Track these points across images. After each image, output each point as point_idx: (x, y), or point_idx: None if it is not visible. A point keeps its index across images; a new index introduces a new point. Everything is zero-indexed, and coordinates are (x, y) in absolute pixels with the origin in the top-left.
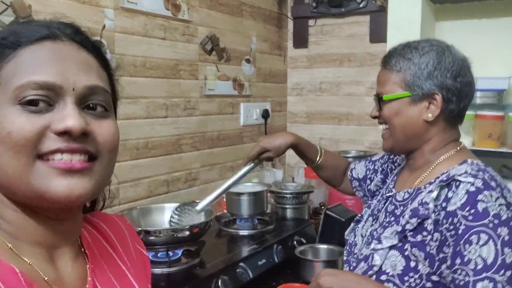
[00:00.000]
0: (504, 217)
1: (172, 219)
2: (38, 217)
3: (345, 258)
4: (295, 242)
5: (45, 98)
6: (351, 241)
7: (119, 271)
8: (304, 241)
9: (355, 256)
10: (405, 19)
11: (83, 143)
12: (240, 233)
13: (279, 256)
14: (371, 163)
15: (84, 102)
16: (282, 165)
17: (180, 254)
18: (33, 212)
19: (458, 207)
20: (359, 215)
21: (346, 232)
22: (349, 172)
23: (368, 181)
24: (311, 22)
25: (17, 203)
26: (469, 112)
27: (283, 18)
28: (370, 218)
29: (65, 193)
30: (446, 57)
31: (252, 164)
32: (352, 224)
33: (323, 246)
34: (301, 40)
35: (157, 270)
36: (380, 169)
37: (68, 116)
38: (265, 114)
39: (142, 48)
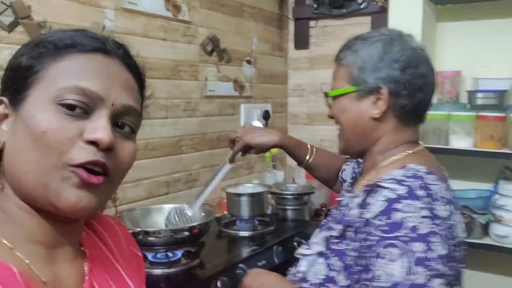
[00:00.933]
0: (423, 231)
1: (167, 221)
2: (42, 217)
3: None
4: (295, 243)
5: (83, 105)
6: None
7: (115, 272)
8: (304, 242)
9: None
10: (406, 20)
11: (106, 158)
12: (240, 234)
13: (279, 257)
14: (357, 164)
15: (116, 119)
16: (283, 166)
17: (179, 255)
18: (38, 211)
19: (374, 215)
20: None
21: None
22: (340, 173)
23: None
24: (312, 23)
25: (23, 199)
26: (470, 113)
27: (284, 19)
28: None
29: (73, 203)
30: (393, 47)
31: (233, 165)
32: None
33: None
34: (302, 41)
35: (157, 271)
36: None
37: (101, 128)
38: (266, 115)
39: (143, 49)
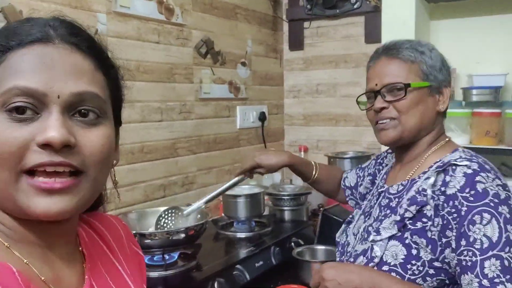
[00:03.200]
0: (503, 196)
1: (158, 222)
2: (31, 220)
3: (338, 259)
4: (292, 243)
5: (31, 106)
6: (343, 242)
7: (115, 271)
8: (302, 242)
9: (348, 254)
10: (400, 18)
11: (67, 157)
12: (238, 236)
13: (276, 258)
14: (361, 170)
15: (74, 109)
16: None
17: (176, 257)
18: (20, 217)
19: (457, 190)
20: (350, 216)
21: (338, 234)
22: (342, 182)
23: (360, 188)
24: (306, 24)
25: (6, 212)
26: (466, 110)
27: (278, 20)
28: (362, 217)
29: (43, 211)
30: (444, 57)
31: (243, 176)
32: (343, 226)
33: (321, 247)
34: (296, 43)
35: (154, 274)
36: (367, 173)
37: (49, 127)
38: (262, 117)
39: (136, 52)
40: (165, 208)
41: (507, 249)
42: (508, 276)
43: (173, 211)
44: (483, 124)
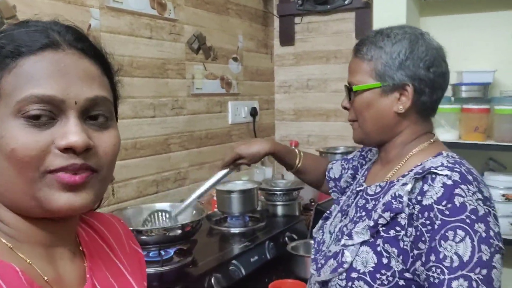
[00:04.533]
0: (481, 213)
1: (145, 225)
2: (36, 219)
3: (312, 256)
4: (286, 238)
5: (48, 113)
6: (319, 239)
7: (116, 269)
8: (295, 237)
9: (322, 253)
10: (390, 15)
11: (85, 159)
12: (232, 231)
13: (271, 253)
14: (346, 162)
15: (87, 114)
16: (271, 162)
17: (172, 253)
18: (30, 216)
19: (434, 201)
20: (328, 211)
21: (314, 230)
22: (326, 173)
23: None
24: (297, 19)
25: (14, 211)
26: (455, 106)
27: (269, 16)
28: (339, 214)
29: (68, 204)
30: (419, 46)
31: (228, 170)
32: (320, 222)
33: None
34: (287, 38)
35: (150, 270)
36: (351, 165)
37: (70, 133)
38: (253, 112)
39: (129, 48)
40: (151, 211)
41: (477, 270)
42: None
43: (161, 214)
44: (472, 120)
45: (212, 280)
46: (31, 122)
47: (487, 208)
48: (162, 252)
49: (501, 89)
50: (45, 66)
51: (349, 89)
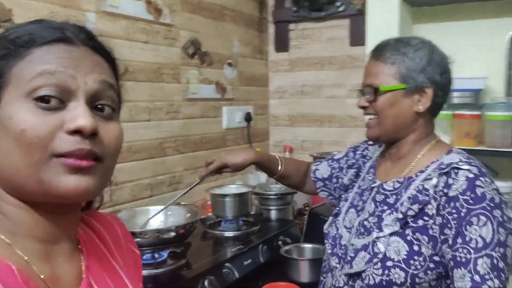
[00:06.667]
0: (497, 201)
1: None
2: (37, 212)
3: (329, 251)
4: (280, 242)
5: (58, 95)
6: (333, 234)
7: (112, 270)
8: (289, 241)
9: (344, 247)
10: (384, 22)
11: (92, 144)
12: (225, 235)
13: (264, 256)
14: (334, 162)
15: (94, 101)
16: None
17: (166, 256)
18: (33, 207)
19: (459, 192)
20: (337, 209)
21: (326, 226)
22: (311, 174)
23: (335, 180)
24: (292, 26)
25: (18, 197)
26: (447, 112)
27: (264, 22)
28: (352, 210)
29: (73, 187)
30: (435, 54)
31: (209, 176)
32: (330, 218)
33: (308, 245)
34: (282, 44)
35: (144, 272)
36: (346, 165)
37: (79, 116)
38: (248, 117)
39: (124, 52)
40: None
41: (497, 249)
42: (495, 273)
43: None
44: (464, 126)
45: (206, 283)
46: (41, 105)
47: (500, 197)
48: (156, 255)
49: (493, 95)
50: (58, 52)
51: (375, 89)
